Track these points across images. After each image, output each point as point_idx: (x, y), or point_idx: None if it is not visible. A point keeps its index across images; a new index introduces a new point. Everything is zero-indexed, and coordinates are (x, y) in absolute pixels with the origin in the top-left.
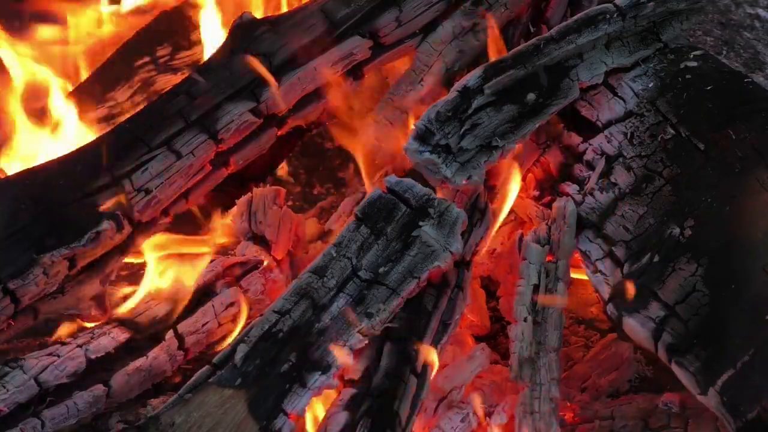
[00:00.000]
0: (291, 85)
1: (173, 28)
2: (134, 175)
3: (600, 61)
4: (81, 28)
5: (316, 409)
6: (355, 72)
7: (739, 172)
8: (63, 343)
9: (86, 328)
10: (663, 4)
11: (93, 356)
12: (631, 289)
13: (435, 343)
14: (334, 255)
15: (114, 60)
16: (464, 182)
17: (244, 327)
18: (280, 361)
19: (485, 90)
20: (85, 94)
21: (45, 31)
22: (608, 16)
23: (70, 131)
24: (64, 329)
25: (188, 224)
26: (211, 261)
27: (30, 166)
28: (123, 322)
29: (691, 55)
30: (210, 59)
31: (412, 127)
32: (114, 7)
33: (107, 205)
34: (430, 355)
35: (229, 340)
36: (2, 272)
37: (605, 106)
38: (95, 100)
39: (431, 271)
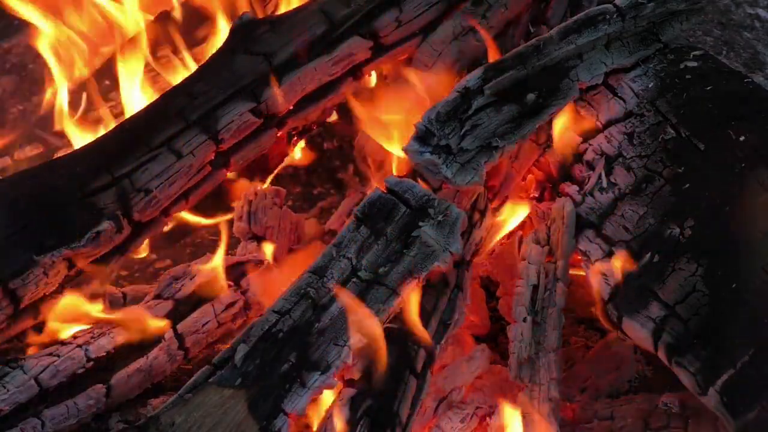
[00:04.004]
0: (291, 85)
1: (173, 27)
2: (134, 175)
3: (600, 61)
4: None
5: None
6: (355, 72)
7: (739, 172)
8: (63, 343)
9: (86, 328)
10: (663, 4)
11: (93, 356)
12: (631, 289)
13: (435, 343)
14: (334, 255)
15: (114, 60)
16: (465, 183)
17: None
18: (280, 361)
19: (485, 91)
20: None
21: None
22: (608, 16)
23: None
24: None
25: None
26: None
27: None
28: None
29: (691, 55)
30: (210, 59)
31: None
32: None
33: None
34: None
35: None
36: (2, 272)
37: (605, 107)
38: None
39: (431, 272)
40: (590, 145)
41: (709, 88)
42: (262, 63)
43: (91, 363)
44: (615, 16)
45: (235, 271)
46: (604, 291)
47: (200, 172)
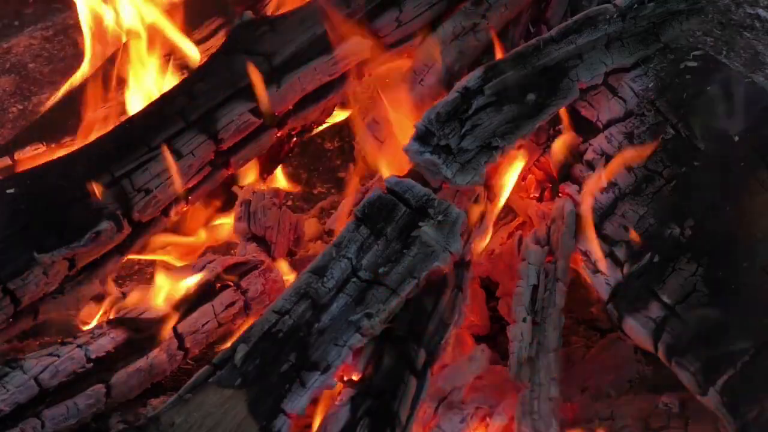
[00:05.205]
0: (291, 85)
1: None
2: (134, 175)
3: (600, 61)
4: None
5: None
6: (354, 72)
7: (739, 172)
8: (63, 343)
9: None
10: (663, 4)
11: (93, 356)
12: (631, 289)
13: (435, 344)
14: (334, 255)
15: (114, 60)
16: (465, 183)
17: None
18: (280, 361)
19: (485, 90)
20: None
21: None
22: (608, 16)
23: None
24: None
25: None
26: (211, 261)
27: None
28: (123, 322)
29: (691, 55)
30: (210, 59)
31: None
32: None
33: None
34: None
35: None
36: (2, 272)
37: (605, 106)
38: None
39: (431, 272)
40: (590, 145)
41: (709, 88)
42: (262, 63)
43: (91, 363)
44: (615, 16)
45: (235, 271)
46: (604, 291)
47: (200, 172)
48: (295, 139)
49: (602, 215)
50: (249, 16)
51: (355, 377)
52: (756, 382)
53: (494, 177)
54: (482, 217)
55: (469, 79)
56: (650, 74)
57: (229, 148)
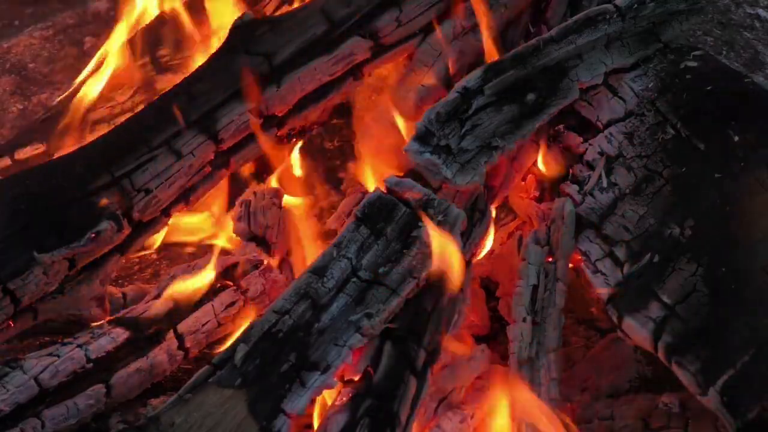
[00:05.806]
0: (291, 85)
1: (173, 28)
2: (134, 175)
3: (600, 61)
4: None
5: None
6: (355, 72)
7: (739, 172)
8: (63, 343)
9: (86, 328)
10: (663, 4)
11: (93, 356)
12: (631, 289)
13: (435, 344)
14: (334, 255)
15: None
16: (465, 183)
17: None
18: (280, 361)
19: (485, 90)
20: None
21: None
22: (608, 16)
23: None
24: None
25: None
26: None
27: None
28: (123, 322)
29: (691, 55)
30: (210, 59)
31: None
32: None
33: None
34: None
35: (230, 340)
36: (2, 272)
37: (605, 106)
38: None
39: (431, 272)
40: (590, 145)
41: (709, 88)
42: (262, 63)
43: (91, 363)
44: (615, 16)
45: (235, 271)
46: (604, 291)
47: (200, 172)
48: (294, 139)
49: (602, 215)
50: (249, 16)
51: (355, 377)
52: (756, 382)
53: (494, 178)
54: (482, 216)
55: (469, 79)
56: (650, 74)
57: (229, 148)
